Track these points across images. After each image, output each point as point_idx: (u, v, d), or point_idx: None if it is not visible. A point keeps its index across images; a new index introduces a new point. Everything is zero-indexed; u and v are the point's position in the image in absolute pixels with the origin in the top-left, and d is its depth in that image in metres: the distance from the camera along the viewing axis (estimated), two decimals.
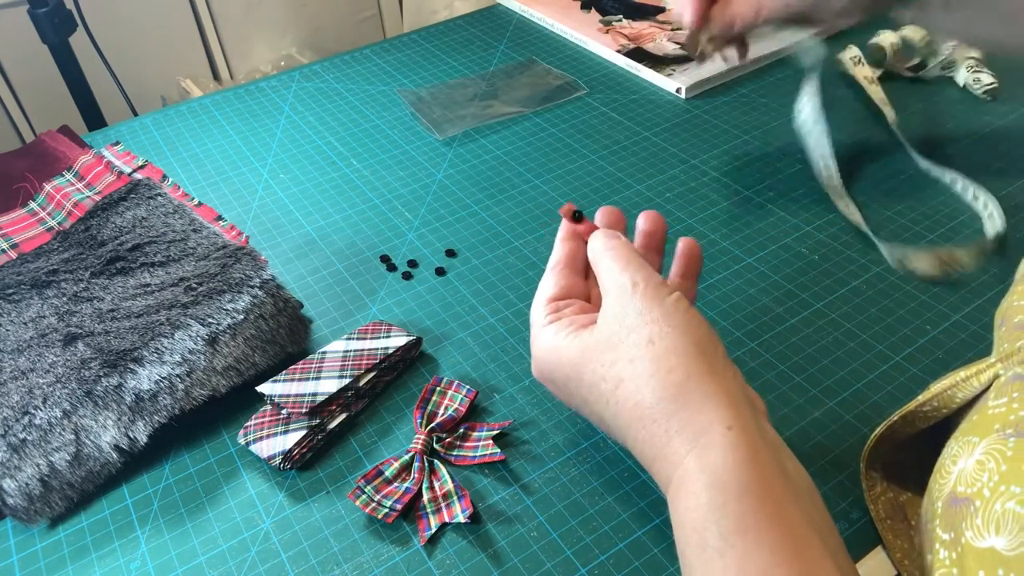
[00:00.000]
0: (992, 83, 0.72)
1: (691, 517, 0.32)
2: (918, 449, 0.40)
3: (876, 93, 0.72)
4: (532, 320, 0.42)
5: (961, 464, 0.32)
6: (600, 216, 0.45)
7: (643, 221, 0.45)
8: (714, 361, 0.36)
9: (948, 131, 0.69)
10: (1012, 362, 0.34)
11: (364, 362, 0.48)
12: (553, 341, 0.40)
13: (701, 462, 0.33)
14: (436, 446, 0.45)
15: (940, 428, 0.36)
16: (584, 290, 0.43)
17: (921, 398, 0.37)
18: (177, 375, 0.45)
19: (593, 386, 0.38)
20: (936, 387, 0.37)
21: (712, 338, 0.37)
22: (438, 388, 0.48)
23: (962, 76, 0.74)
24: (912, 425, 0.39)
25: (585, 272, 0.44)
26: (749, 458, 0.32)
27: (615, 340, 0.37)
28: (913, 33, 0.76)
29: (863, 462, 0.42)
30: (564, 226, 0.44)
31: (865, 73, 0.73)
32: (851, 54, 0.76)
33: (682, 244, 0.44)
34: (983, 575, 0.28)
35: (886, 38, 0.76)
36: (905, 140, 0.67)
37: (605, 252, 0.40)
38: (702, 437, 0.33)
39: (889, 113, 0.70)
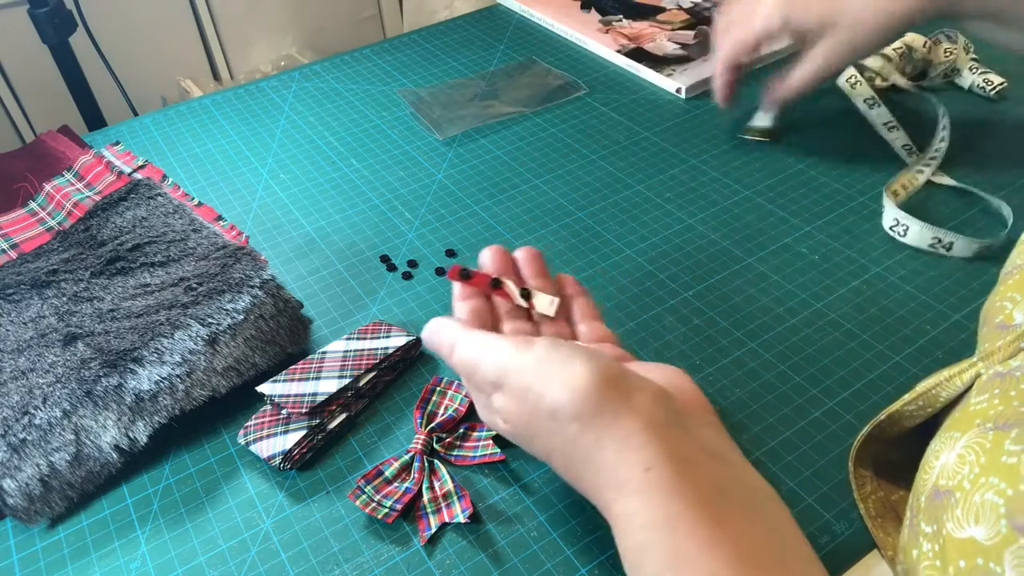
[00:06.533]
0: (1002, 83, 0.72)
1: (631, 558, 0.33)
2: (909, 449, 0.40)
3: (881, 117, 0.69)
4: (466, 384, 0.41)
5: (943, 459, 0.32)
6: (489, 262, 0.45)
7: (521, 253, 0.46)
8: (621, 396, 0.34)
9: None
10: (992, 361, 0.34)
11: (364, 362, 0.48)
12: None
13: (627, 508, 0.33)
14: (436, 446, 0.45)
15: (931, 429, 0.37)
16: None
17: (907, 397, 0.38)
18: (177, 375, 0.45)
19: (538, 453, 0.38)
20: (921, 386, 0.37)
21: (603, 374, 0.35)
22: (438, 388, 0.48)
23: (967, 80, 0.74)
24: (898, 424, 0.40)
25: (493, 324, 0.44)
26: (672, 492, 0.32)
27: (527, 431, 0.37)
28: (914, 40, 0.75)
29: (851, 461, 0.42)
30: (457, 287, 0.43)
31: (865, 95, 0.71)
32: (847, 75, 0.73)
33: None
34: (964, 564, 0.28)
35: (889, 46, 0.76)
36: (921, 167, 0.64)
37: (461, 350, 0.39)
38: (625, 485, 0.33)
39: (898, 136, 0.67)
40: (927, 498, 0.32)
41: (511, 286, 0.43)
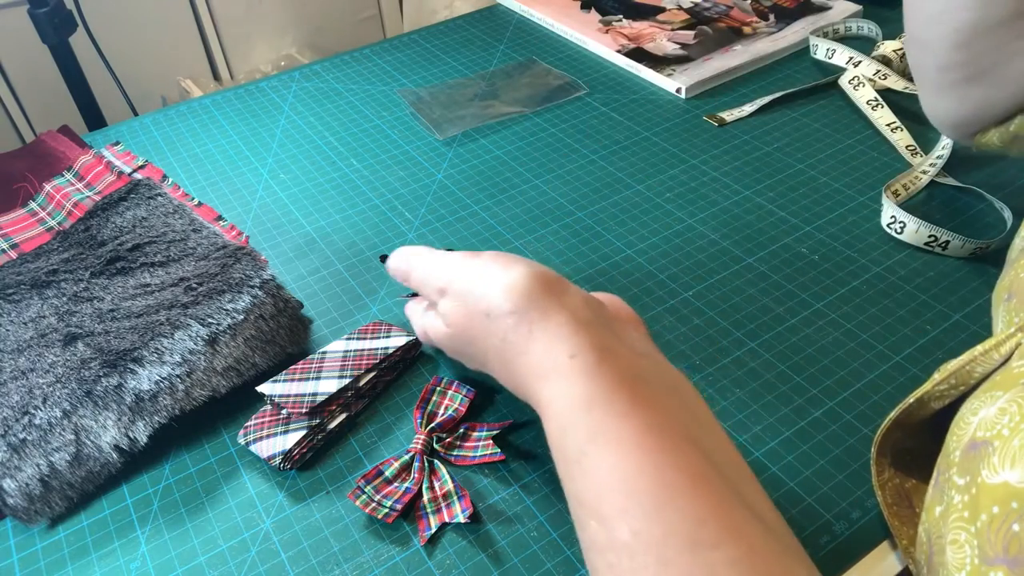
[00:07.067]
0: None
1: (554, 439, 0.35)
2: (924, 436, 0.40)
3: (884, 118, 0.69)
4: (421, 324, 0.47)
5: (983, 414, 0.31)
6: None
7: None
8: (553, 295, 0.38)
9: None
10: None
11: (364, 362, 0.48)
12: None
13: (552, 392, 0.35)
14: (436, 446, 0.45)
15: (947, 416, 0.36)
16: None
17: (937, 377, 0.37)
18: (177, 375, 0.45)
19: (476, 356, 0.42)
20: (952, 365, 0.36)
21: (538, 275, 0.38)
22: (438, 388, 0.48)
23: None
24: (927, 407, 0.39)
25: None
26: (594, 375, 0.34)
27: (466, 334, 0.41)
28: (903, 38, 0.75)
29: (875, 447, 0.42)
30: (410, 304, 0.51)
31: (868, 96, 0.71)
32: (849, 76, 0.73)
33: None
34: (997, 510, 0.28)
35: (888, 47, 0.75)
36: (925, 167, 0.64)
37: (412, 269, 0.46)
38: (551, 372, 0.36)
39: (902, 138, 0.67)
40: (962, 451, 0.32)
41: None
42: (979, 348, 0.35)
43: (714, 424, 0.35)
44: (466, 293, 0.40)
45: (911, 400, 0.39)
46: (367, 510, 0.42)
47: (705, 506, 0.30)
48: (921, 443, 0.41)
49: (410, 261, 0.46)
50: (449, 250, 0.59)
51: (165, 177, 0.65)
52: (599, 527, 0.31)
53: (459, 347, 0.42)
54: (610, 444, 0.32)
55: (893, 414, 0.40)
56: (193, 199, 0.62)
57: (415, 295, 0.52)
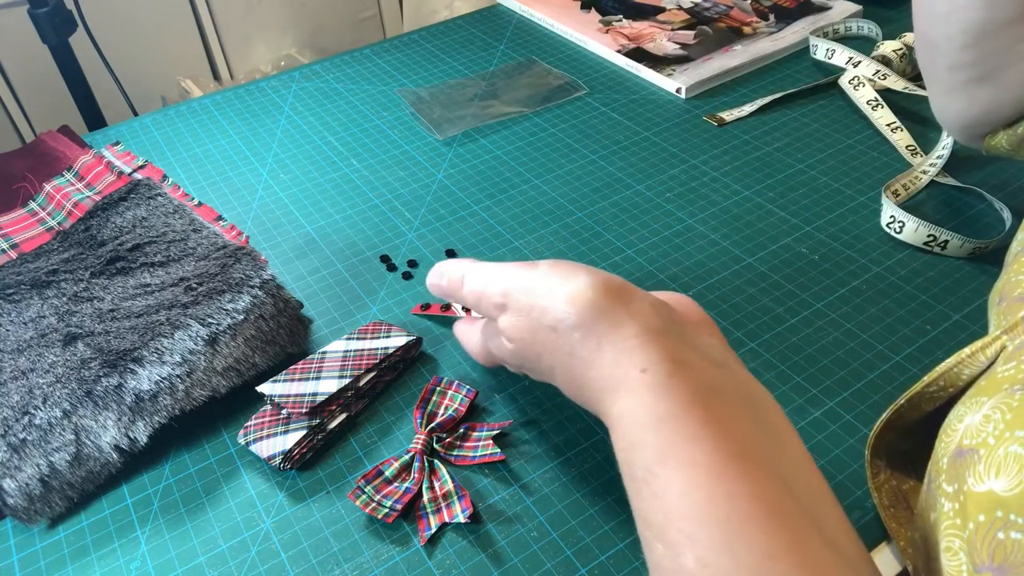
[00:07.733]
0: None
1: (622, 456, 0.33)
2: (919, 438, 0.40)
3: (884, 118, 0.69)
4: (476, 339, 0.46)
5: (968, 420, 0.32)
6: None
7: None
8: (620, 304, 0.36)
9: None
10: (1017, 332, 0.34)
11: (364, 362, 0.48)
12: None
13: (621, 408, 0.34)
14: (436, 446, 0.45)
15: (941, 419, 0.37)
16: None
17: (927, 379, 0.37)
18: (177, 375, 0.45)
19: (542, 371, 0.40)
20: (941, 367, 0.37)
21: (603, 285, 0.37)
22: (438, 388, 0.48)
23: None
24: (918, 408, 0.39)
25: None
26: (665, 391, 0.33)
27: (531, 349, 0.39)
28: (914, 40, 0.75)
29: (869, 449, 0.42)
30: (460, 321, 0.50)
31: (868, 96, 0.71)
32: (849, 76, 0.73)
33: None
34: (983, 518, 0.28)
35: (889, 47, 0.75)
36: (925, 167, 0.64)
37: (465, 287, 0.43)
38: (621, 386, 0.34)
39: (902, 138, 0.67)
40: (949, 459, 0.32)
41: (456, 305, 0.52)
42: (966, 350, 0.35)
43: (792, 439, 0.33)
44: (529, 307, 0.38)
45: (902, 401, 0.39)
46: (367, 510, 0.42)
47: (778, 540, 0.28)
48: (917, 445, 0.41)
49: (463, 275, 0.43)
50: (450, 251, 0.59)
51: (165, 177, 0.65)
52: (665, 551, 0.30)
53: (524, 363, 0.40)
54: (680, 467, 0.30)
55: (885, 415, 0.40)
56: (193, 199, 0.62)
57: (427, 306, 0.54)
